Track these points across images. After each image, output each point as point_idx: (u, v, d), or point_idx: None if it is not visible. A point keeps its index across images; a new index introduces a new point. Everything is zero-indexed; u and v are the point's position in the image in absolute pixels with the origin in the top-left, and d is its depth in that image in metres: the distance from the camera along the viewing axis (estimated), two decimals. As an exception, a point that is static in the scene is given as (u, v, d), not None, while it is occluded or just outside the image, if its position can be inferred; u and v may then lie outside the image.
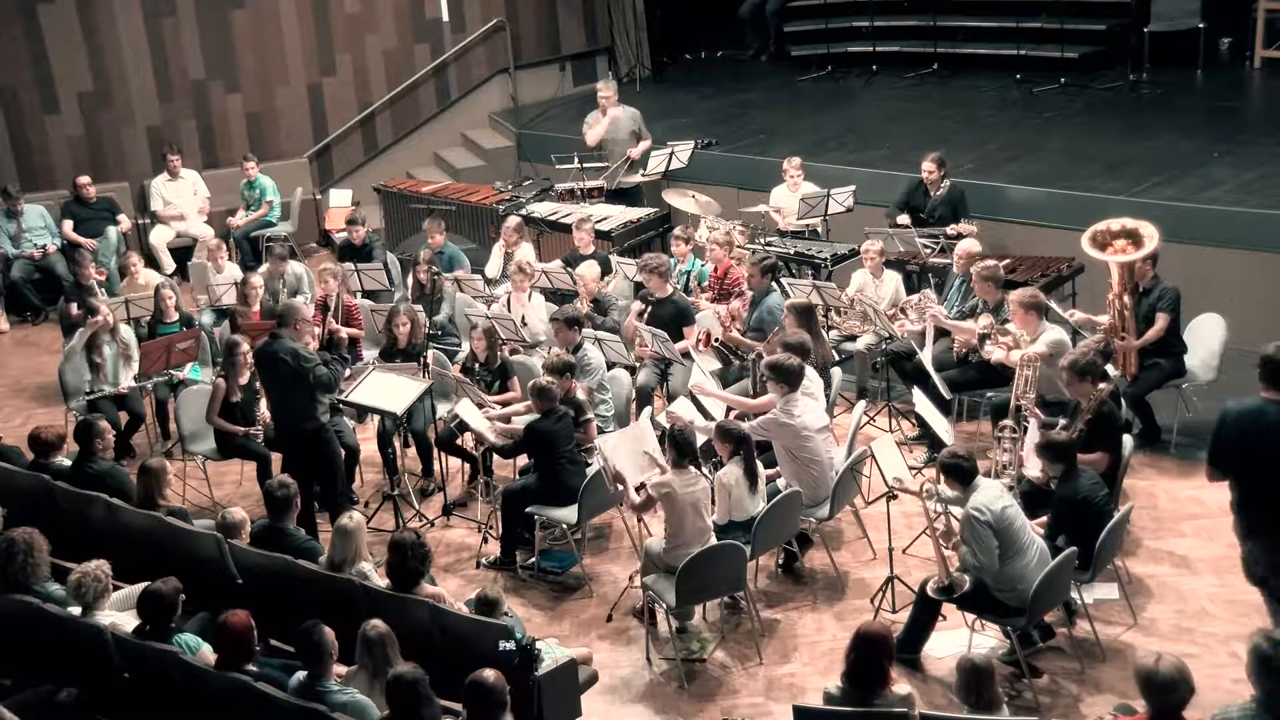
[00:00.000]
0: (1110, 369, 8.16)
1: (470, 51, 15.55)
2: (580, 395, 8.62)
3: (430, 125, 15.51)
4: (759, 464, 7.65)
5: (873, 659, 5.73)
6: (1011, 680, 6.79)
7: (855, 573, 8.05)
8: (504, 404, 9.09)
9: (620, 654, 7.50)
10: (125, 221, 13.47)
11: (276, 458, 8.91)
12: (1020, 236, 10.98)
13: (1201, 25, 13.76)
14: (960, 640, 7.08)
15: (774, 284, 9.78)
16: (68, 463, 8.29)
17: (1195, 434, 9.02)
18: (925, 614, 7.06)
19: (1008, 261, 9.76)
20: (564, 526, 8.25)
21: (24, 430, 9.04)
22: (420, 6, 15.14)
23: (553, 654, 6.49)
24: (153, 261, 12.97)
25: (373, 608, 6.49)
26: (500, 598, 6.61)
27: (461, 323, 10.53)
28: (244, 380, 9.11)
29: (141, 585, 6.68)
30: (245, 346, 9.11)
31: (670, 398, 9.35)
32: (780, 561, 8.12)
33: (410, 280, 11.04)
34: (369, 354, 10.20)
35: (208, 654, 6.28)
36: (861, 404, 9.01)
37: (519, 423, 8.58)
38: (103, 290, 11.42)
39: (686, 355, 9.44)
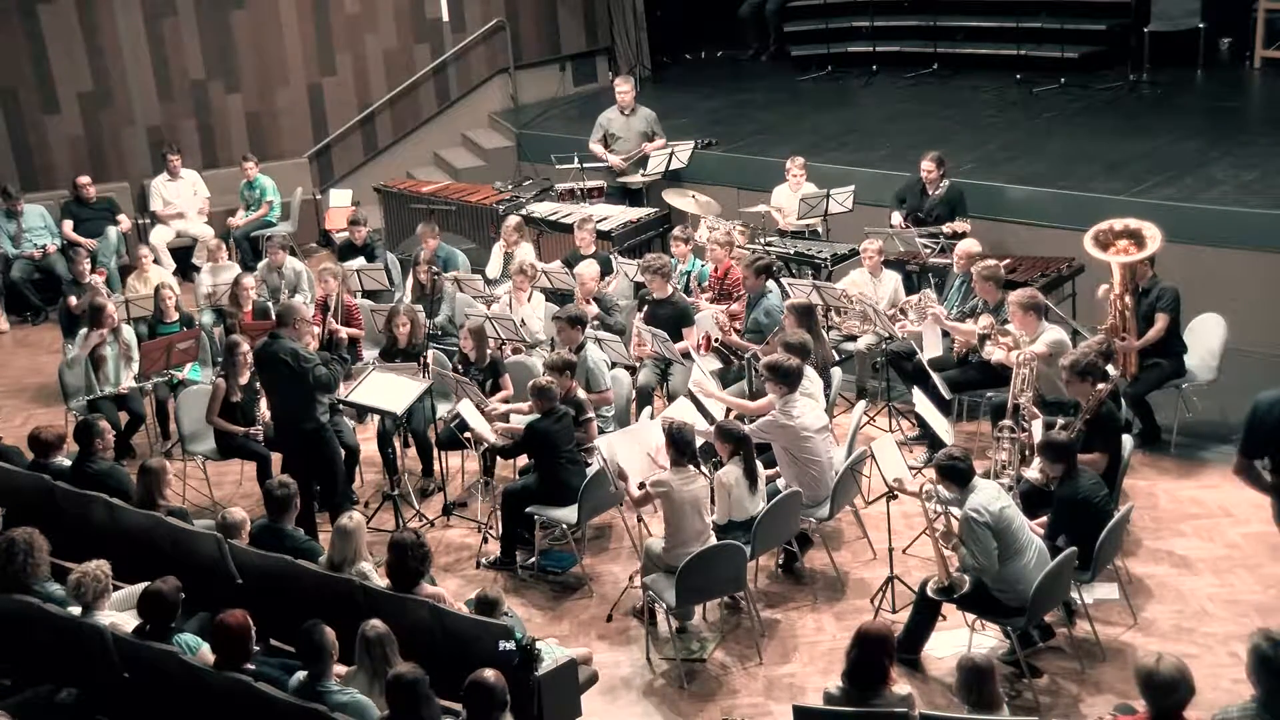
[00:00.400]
0: (1110, 369, 8.16)
1: (470, 51, 15.55)
2: (580, 394, 8.61)
3: (430, 125, 15.51)
4: (759, 464, 7.65)
5: (873, 659, 5.73)
6: (1011, 680, 6.78)
7: (855, 573, 8.05)
8: (503, 404, 9.11)
9: (620, 654, 7.50)
10: (125, 221, 13.47)
11: (276, 458, 8.91)
12: (1020, 236, 10.98)
13: (1201, 25, 13.76)
14: (960, 640, 7.08)
15: (770, 285, 9.75)
16: (68, 463, 8.28)
17: (1195, 434, 9.04)
18: (925, 614, 7.06)
19: (1008, 261, 9.76)
20: (564, 526, 8.25)
21: (24, 430, 9.03)
22: (420, 6, 15.14)
23: (553, 654, 6.49)
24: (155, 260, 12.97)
25: (373, 608, 6.49)
26: (500, 598, 6.62)
27: (462, 323, 10.51)
28: (244, 380, 9.11)
29: (141, 585, 6.69)
30: (245, 346, 9.11)
31: (670, 398, 9.35)
32: (780, 561, 8.12)
33: (410, 280, 11.04)
34: (369, 354, 10.21)
35: (207, 654, 6.27)
36: (861, 404, 9.01)
37: (519, 422, 8.59)
38: (105, 290, 11.43)
39: (686, 355, 9.44)
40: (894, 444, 7.81)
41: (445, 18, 15.02)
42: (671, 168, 12.44)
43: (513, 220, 11.48)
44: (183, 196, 13.58)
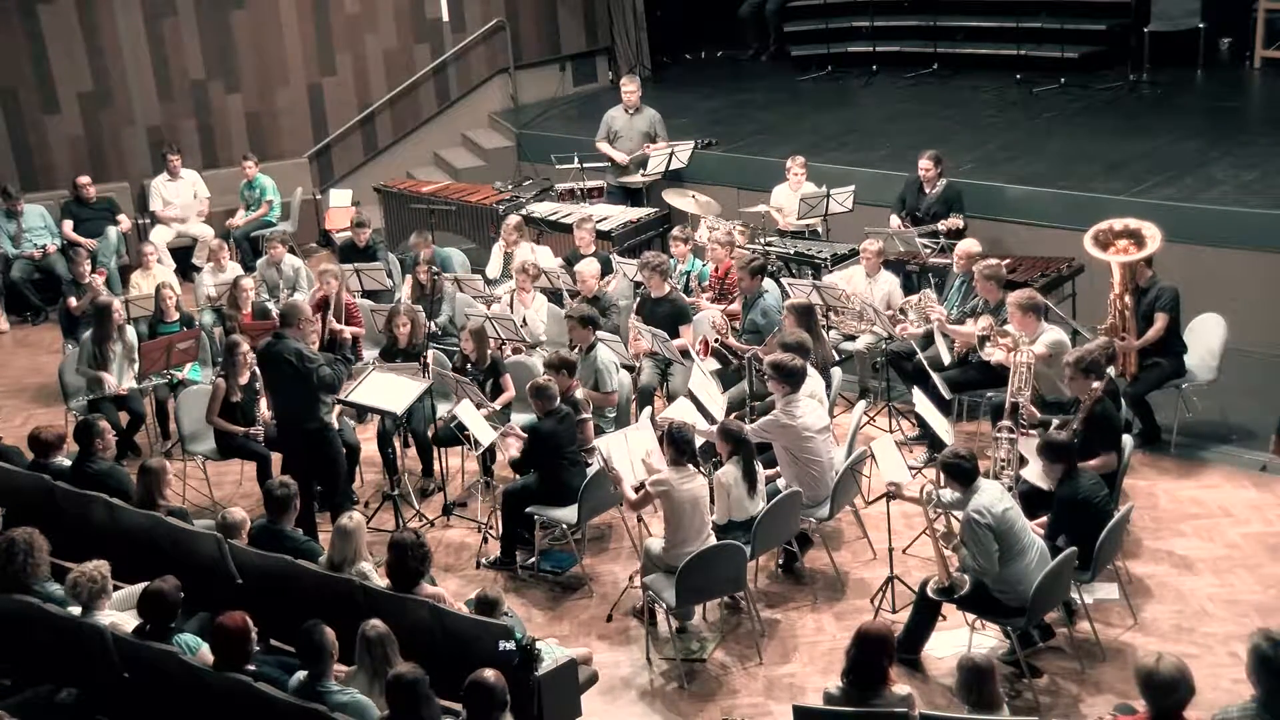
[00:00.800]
0: (1109, 369, 8.16)
1: (470, 51, 15.55)
2: (578, 393, 8.60)
3: (430, 125, 15.51)
4: (758, 465, 7.65)
5: (873, 659, 5.73)
6: (1011, 680, 6.78)
7: (855, 573, 8.05)
8: (504, 405, 9.12)
9: (620, 654, 7.50)
10: (125, 221, 13.47)
11: (276, 458, 8.91)
12: (1020, 236, 10.99)
13: (1201, 25, 13.76)
14: (960, 640, 7.08)
15: (767, 285, 9.75)
16: (68, 463, 8.28)
17: (1195, 434, 9.04)
18: (925, 614, 7.06)
19: (1008, 261, 9.76)
20: (564, 526, 8.25)
21: (24, 430, 9.03)
22: (420, 6, 15.14)
23: (553, 654, 6.48)
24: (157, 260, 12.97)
25: (373, 608, 6.49)
26: (500, 598, 6.62)
27: (462, 323, 10.52)
28: (244, 380, 9.11)
29: (141, 585, 6.68)
30: (245, 346, 9.11)
31: (670, 398, 9.35)
32: (780, 561, 8.12)
33: (410, 281, 11.04)
34: (369, 354, 10.21)
35: (207, 654, 6.27)
36: (861, 404, 9.01)
37: (519, 422, 8.59)
38: (105, 290, 11.43)
39: (685, 354, 9.45)
40: (894, 444, 7.81)
41: (445, 18, 15.03)
42: (671, 168, 12.44)
43: (513, 220, 11.48)
44: (183, 196, 13.57)
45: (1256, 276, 9.93)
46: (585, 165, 12.60)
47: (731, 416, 8.49)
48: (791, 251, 10.84)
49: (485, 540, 8.63)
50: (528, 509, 8.22)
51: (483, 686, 5.52)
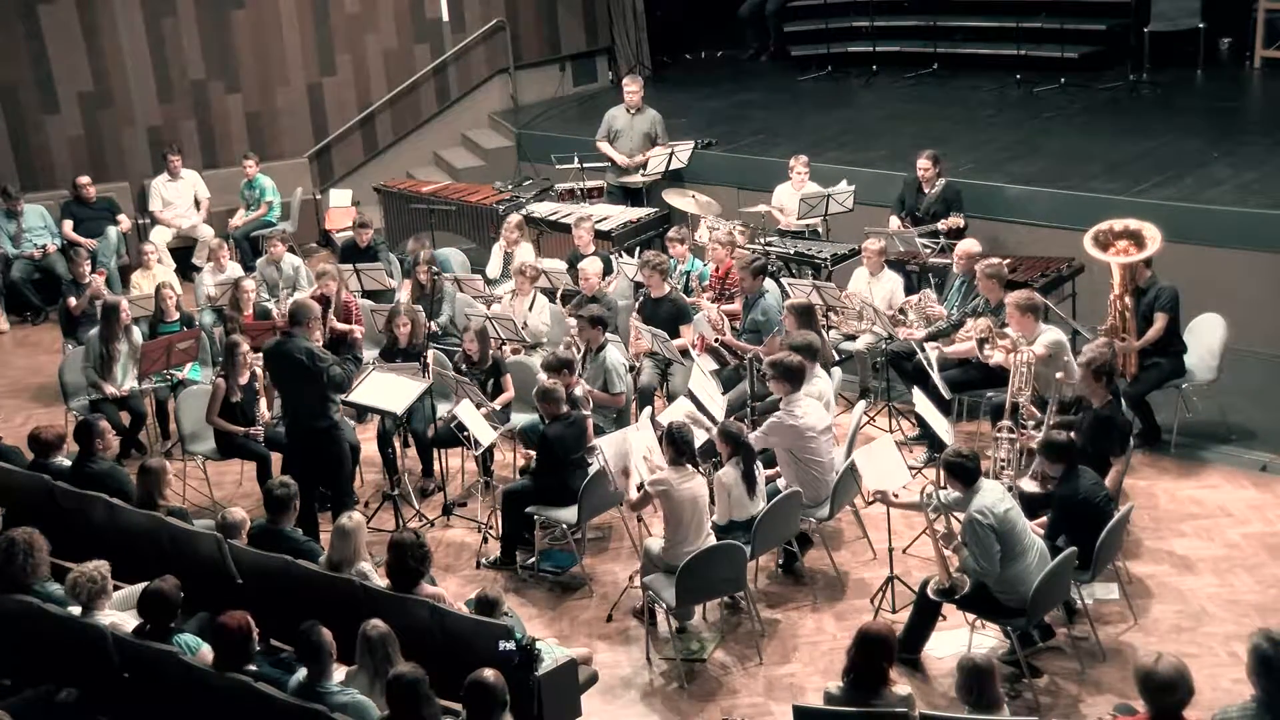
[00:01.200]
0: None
1: (470, 51, 15.54)
2: (577, 392, 8.60)
3: (430, 125, 15.50)
4: (758, 466, 7.64)
5: (873, 659, 5.73)
6: (1011, 680, 6.78)
7: (855, 573, 8.05)
8: (504, 405, 9.13)
9: (620, 654, 7.50)
10: (125, 221, 13.47)
11: (276, 458, 8.91)
12: (1020, 236, 10.99)
13: (1201, 25, 13.75)
14: (960, 640, 7.08)
15: (767, 285, 9.74)
16: (68, 463, 8.28)
17: (1195, 434, 9.04)
18: (925, 614, 7.06)
19: (1008, 261, 9.76)
20: (564, 526, 8.25)
21: (24, 430, 9.03)
22: (420, 6, 15.13)
23: (553, 654, 6.49)
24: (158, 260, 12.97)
25: (373, 608, 6.48)
26: (500, 598, 6.62)
27: (462, 323, 10.52)
28: (244, 380, 9.11)
29: (141, 585, 6.68)
30: (245, 346, 9.11)
31: (670, 398, 9.35)
32: (780, 562, 8.12)
33: (410, 281, 11.03)
34: (369, 354, 10.21)
35: (207, 654, 6.27)
36: (861, 404, 9.01)
37: (519, 421, 8.58)
38: (105, 290, 11.43)
39: (685, 354, 9.45)
40: (893, 445, 7.79)
41: (445, 18, 15.02)
42: (671, 168, 12.43)
43: (513, 219, 11.48)
44: (183, 196, 13.57)
45: (1256, 276, 9.93)
46: (585, 165, 12.60)
47: (732, 418, 8.49)
48: (792, 251, 10.84)
49: (485, 540, 8.64)
50: (528, 509, 8.22)
51: (483, 686, 5.52)
